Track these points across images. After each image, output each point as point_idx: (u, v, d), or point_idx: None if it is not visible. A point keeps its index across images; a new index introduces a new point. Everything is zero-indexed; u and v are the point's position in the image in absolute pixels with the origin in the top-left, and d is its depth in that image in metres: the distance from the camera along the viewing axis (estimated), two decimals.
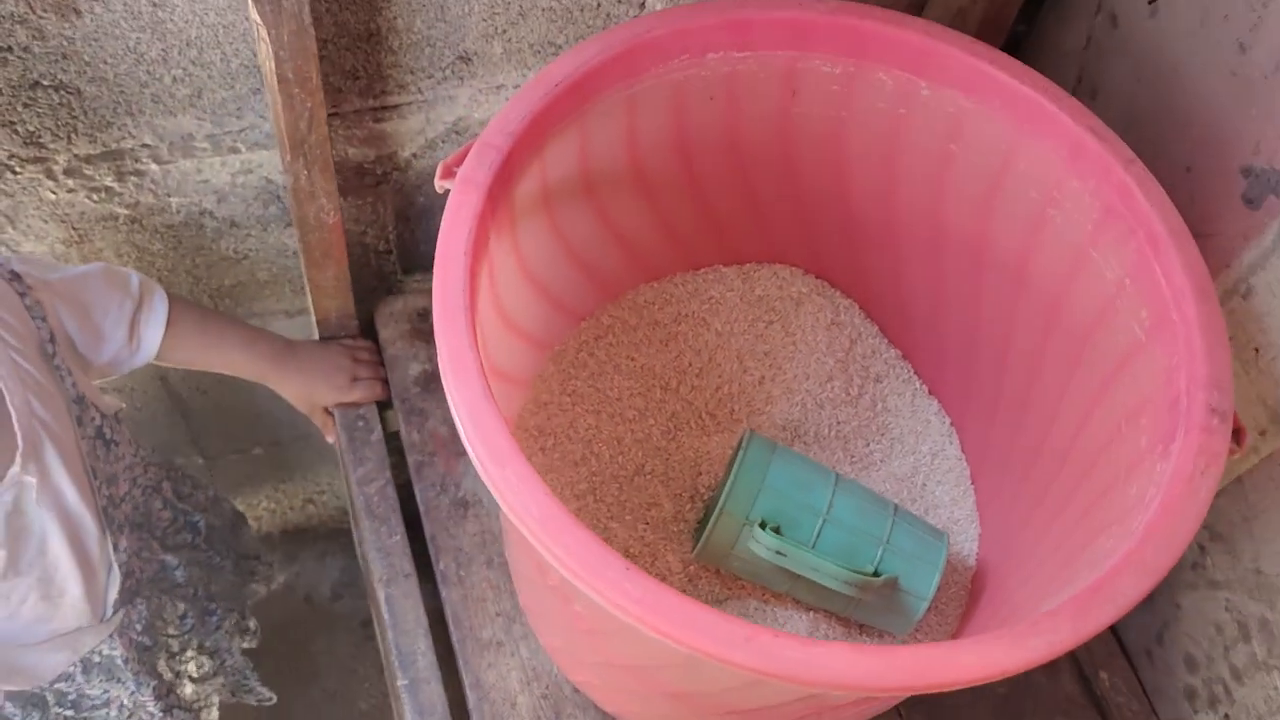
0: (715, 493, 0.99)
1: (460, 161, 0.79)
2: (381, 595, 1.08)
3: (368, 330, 1.24)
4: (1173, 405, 0.78)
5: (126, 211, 1.14)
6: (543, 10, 1.05)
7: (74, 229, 1.14)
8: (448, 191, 0.80)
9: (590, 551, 0.65)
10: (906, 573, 0.93)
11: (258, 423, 1.52)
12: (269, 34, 0.85)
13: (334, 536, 1.82)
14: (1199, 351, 0.78)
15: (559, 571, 0.66)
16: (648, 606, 0.64)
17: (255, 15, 0.84)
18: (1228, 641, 0.98)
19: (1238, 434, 0.76)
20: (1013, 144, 0.90)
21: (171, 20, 0.96)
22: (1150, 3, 0.95)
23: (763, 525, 0.90)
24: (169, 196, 1.13)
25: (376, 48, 1.03)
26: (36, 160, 1.05)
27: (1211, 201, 0.90)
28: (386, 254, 1.28)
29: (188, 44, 0.99)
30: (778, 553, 0.87)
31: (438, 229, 1.25)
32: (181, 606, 1.16)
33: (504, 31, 1.06)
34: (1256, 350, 0.89)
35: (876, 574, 0.90)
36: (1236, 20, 0.87)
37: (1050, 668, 1.09)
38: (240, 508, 1.40)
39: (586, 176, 0.94)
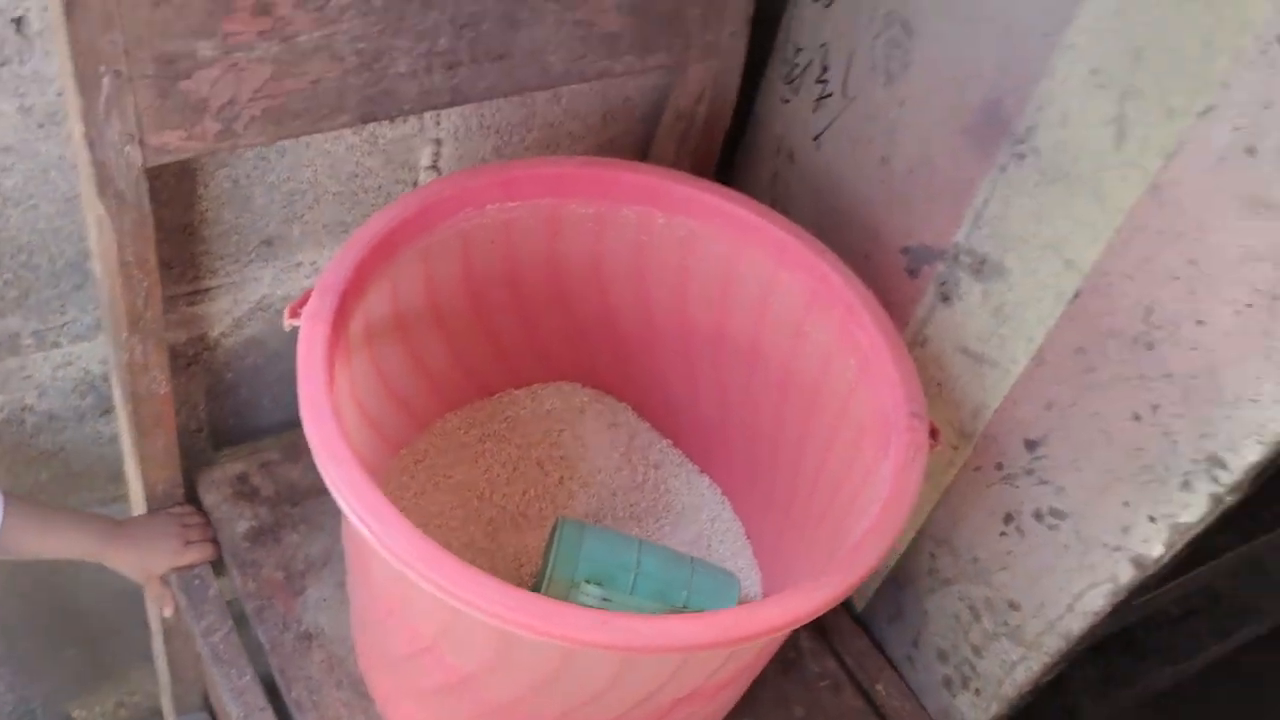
0: (539, 573, 1.15)
1: (303, 304, 0.95)
2: None
3: (190, 500, 1.33)
4: (884, 424, 1.02)
5: None
6: (333, 195, 1.23)
7: None
8: (294, 330, 0.95)
9: (468, 576, 0.80)
10: (709, 608, 1.11)
11: (73, 623, 1.55)
12: (113, 223, 0.99)
13: None
14: (896, 382, 1.03)
15: (445, 601, 0.81)
16: (525, 610, 0.79)
17: (101, 209, 0.98)
18: (964, 626, 1.21)
19: (934, 433, 1.01)
20: (734, 253, 1.15)
21: (5, 229, 1.07)
22: (814, 140, 1.24)
23: (587, 582, 1.07)
24: None
25: (190, 238, 1.18)
26: None
27: (886, 277, 1.16)
28: (198, 432, 1.39)
29: (19, 249, 1.10)
30: (604, 599, 1.04)
31: (245, 404, 1.40)
32: None
33: (301, 216, 1.23)
34: (939, 385, 1.15)
35: (685, 608, 1.08)
36: (876, 143, 1.16)
37: (834, 688, 1.29)
38: None
39: (398, 317, 1.11)
